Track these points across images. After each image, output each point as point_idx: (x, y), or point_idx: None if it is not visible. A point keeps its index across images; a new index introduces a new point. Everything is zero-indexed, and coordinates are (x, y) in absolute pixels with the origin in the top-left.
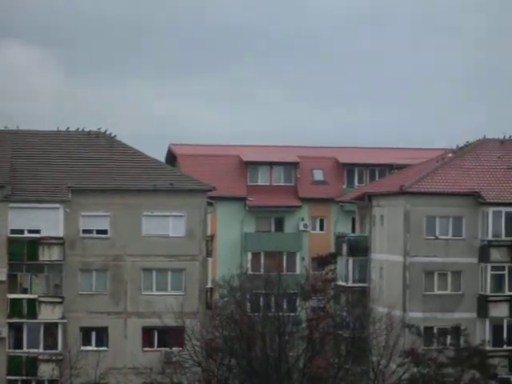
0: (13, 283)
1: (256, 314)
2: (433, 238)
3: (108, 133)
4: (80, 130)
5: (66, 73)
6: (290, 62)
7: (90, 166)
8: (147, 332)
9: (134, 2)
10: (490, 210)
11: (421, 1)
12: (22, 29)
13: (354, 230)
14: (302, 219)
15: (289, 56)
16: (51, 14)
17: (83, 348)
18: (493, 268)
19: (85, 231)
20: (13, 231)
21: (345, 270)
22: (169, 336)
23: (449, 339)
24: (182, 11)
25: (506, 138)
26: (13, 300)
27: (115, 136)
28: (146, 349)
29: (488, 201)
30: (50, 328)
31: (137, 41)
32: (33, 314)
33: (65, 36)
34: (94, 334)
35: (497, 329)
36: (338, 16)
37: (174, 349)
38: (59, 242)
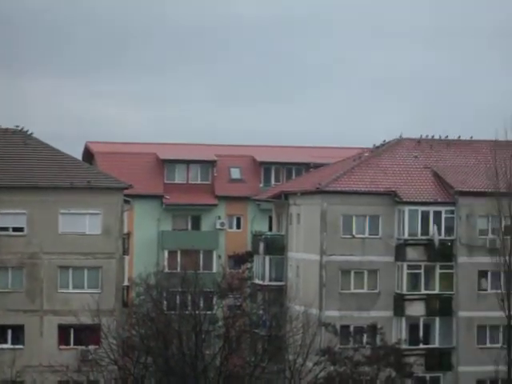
0: None
1: (172, 312)
2: (349, 236)
3: (25, 130)
4: None
5: None
6: (209, 63)
7: (6, 163)
8: (63, 330)
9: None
10: (406, 209)
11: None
12: None
13: (270, 229)
14: (219, 217)
15: (206, 56)
16: None
17: None
18: (409, 267)
19: (1, 228)
20: None
21: (261, 268)
22: (85, 334)
23: (365, 338)
24: (101, 8)
25: (423, 137)
26: None
27: (32, 133)
28: (62, 347)
29: (404, 200)
30: None
31: (56, 39)
32: None
33: None
34: (9, 332)
35: (413, 327)
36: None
37: (91, 347)
38: None
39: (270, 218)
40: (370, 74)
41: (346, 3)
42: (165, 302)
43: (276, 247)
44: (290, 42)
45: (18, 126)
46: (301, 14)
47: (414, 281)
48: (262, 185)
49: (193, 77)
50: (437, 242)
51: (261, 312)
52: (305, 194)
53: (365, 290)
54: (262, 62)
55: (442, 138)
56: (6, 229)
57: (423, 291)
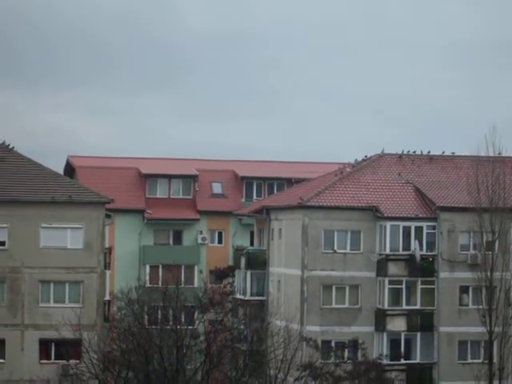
0: None
1: (154, 326)
2: (331, 251)
3: (6, 144)
4: None
5: None
6: (186, 77)
7: None
8: (44, 344)
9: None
10: (388, 225)
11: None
12: None
13: (252, 244)
14: (201, 232)
15: (186, 70)
16: None
17: None
18: (390, 282)
19: None
20: None
21: (243, 283)
22: (66, 348)
23: (346, 353)
24: (83, 29)
25: (404, 152)
26: None
27: (13, 147)
28: (43, 361)
29: (386, 215)
30: None
31: (38, 50)
32: None
33: None
34: None
35: (394, 342)
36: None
37: (72, 361)
38: None
39: (252, 233)
40: (349, 88)
41: (319, 17)
42: (146, 317)
43: (257, 262)
44: (264, 57)
45: None
46: (274, 29)
47: (395, 296)
48: (243, 200)
49: (170, 92)
50: (418, 258)
51: (242, 327)
52: (286, 208)
53: (346, 305)
54: (237, 76)
55: (424, 153)
56: None
57: (404, 306)
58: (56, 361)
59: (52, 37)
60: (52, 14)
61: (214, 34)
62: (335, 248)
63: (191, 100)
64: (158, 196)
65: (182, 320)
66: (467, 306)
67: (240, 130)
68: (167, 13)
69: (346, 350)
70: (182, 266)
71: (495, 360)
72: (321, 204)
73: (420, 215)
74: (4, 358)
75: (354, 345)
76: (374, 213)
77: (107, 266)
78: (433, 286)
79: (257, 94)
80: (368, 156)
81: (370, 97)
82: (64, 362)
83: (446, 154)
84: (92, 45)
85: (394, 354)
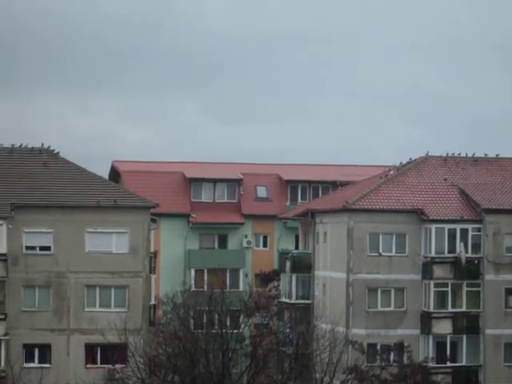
0: None
1: (199, 330)
2: (376, 254)
3: (51, 149)
4: (23, 146)
5: None
6: (224, 81)
7: (33, 182)
8: (90, 349)
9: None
10: (433, 227)
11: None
12: None
13: (297, 247)
14: (246, 236)
15: (220, 75)
16: None
17: (26, 365)
18: (436, 285)
19: (28, 248)
20: None
21: (288, 286)
22: (112, 353)
23: (392, 356)
24: (107, 32)
25: (449, 155)
26: None
27: (58, 152)
28: (88, 365)
29: (431, 218)
30: None
31: (74, 58)
32: None
33: None
34: (36, 351)
35: (440, 345)
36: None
37: (117, 366)
38: (2, 258)
39: (297, 237)
40: (403, 91)
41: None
42: (192, 321)
43: (303, 265)
44: (303, 57)
45: (42, 145)
46: (303, 29)
47: (440, 299)
48: (288, 203)
49: (211, 95)
50: (464, 260)
51: (288, 330)
52: (331, 212)
53: (392, 308)
54: (276, 77)
55: (469, 155)
56: (33, 248)
57: (450, 309)
58: (102, 365)
59: (68, 44)
60: (77, 23)
61: (252, 36)
62: (380, 251)
63: (230, 103)
64: (202, 200)
65: (228, 324)
66: None
67: (282, 132)
68: (192, 16)
69: (392, 353)
70: (228, 270)
71: None
72: (366, 207)
73: (465, 217)
74: (50, 363)
75: (399, 348)
76: (419, 215)
77: (152, 270)
78: (478, 289)
79: (299, 95)
80: (413, 159)
81: (413, 99)
82: (110, 366)
83: (490, 155)
84: (116, 50)
85: (440, 356)
